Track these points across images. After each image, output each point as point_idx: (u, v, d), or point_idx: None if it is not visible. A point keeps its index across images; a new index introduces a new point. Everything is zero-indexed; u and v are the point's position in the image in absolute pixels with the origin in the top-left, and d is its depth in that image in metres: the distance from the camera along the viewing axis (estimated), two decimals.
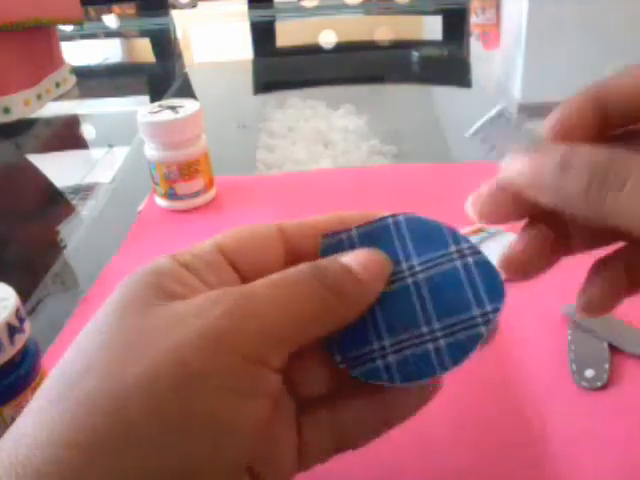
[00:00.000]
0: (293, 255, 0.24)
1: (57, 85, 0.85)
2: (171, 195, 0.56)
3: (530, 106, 0.84)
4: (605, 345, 0.36)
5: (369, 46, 1.19)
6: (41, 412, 0.18)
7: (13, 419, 0.30)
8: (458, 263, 0.24)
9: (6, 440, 0.18)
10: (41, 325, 0.45)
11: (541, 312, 0.40)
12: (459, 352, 0.22)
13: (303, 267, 0.22)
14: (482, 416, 0.34)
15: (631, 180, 0.18)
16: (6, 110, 0.76)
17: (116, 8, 1.43)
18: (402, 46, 1.16)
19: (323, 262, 0.22)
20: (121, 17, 1.43)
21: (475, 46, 1.14)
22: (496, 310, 0.22)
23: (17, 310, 0.29)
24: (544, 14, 1.14)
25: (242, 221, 0.54)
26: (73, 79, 0.90)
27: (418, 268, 0.23)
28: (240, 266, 0.23)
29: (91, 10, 1.41)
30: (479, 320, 0.22)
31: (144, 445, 0.17)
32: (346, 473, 0.30)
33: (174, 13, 1.42)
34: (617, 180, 0.18)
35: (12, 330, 0.29)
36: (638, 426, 0.32)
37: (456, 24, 1.26)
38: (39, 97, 0.81)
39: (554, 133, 0.22)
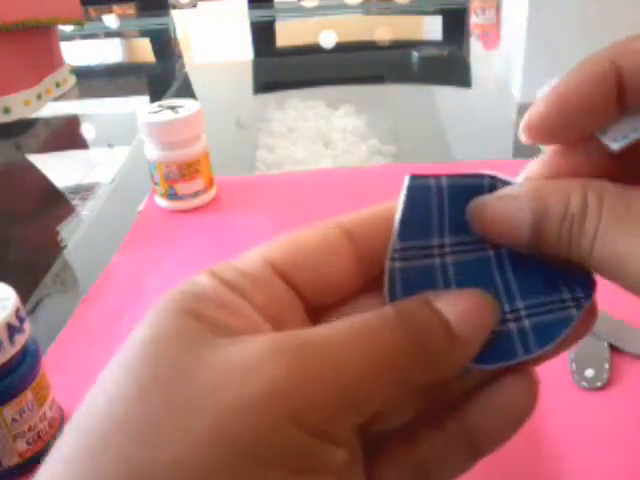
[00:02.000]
0: (365, 256, 0.20)
1: (57, 85, 0.85)
2: (171, 195, 0.56)
3: (530, 106, 0.84)
4: (605, 345, 0.36)
5: (369, 46, 1.19)
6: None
7: (13, 419, 0.30)
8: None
9: None
10: (41, 325, 0.45)
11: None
12: (546, 334, 0.19)
13: (388, 313, 0.17)
14: None
15: (602, 224, 0.17)
16: (6, 110, 0.76)
17: (116, 8, 1.43)
18: (402, 46, 1.16)
19: (412, 309, 0.18)
20: (121, 17, 1.43)
21: (475, 46, 1.14)
22: (589, 296, 0.19)
23: (17, 310, 0.29)
24: (544, 14, 1.14)
25: (242, 221, 0.54)
26: (73, 79, 0.90)
27: None
28: (296, 279, 0.19)
29: (91, 10, 1.41)
30: (570, 304, 0.19)
31: None
32: None
33: (174, 13, 1.42)
34: (591, 227, 0.17)
35: (12, 330, 0.29)
36: (638, 426, 0.32)
37: (456, 24, 1.26)
38: (39, 97, 0.81)
39: (560, 107, 0.19)
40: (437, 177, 0.20)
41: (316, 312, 0.20)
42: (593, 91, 0.18)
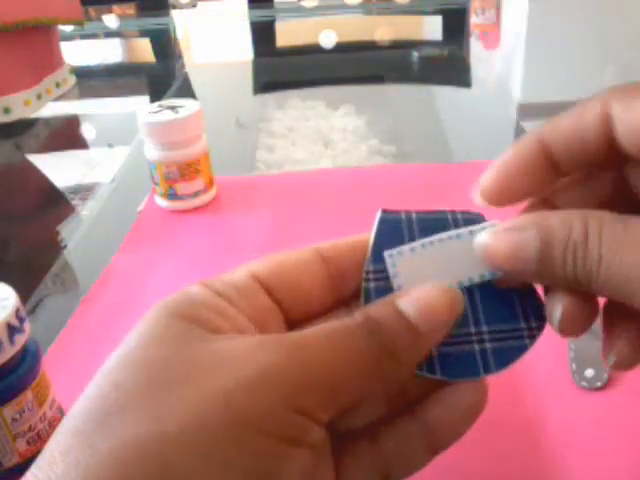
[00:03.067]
0: (336, 276, 0.23)
1: (57, 85, 0.85)
2: (171, 195, 0.56)
3: (530, 106, 0.84)
4: None
5: (369, 46, 1.19)
6: (71, 452, 0.17)
7: (13, 419, 0.30)
8: None
9: (36, 475, 0.17)
10: (41, 325, 0.45)
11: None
12: (504, 358, 0.22)
13: (357, 319, 0.20)
14: (481, 416, 0.34)
15: (605, 249, 0.18)
16: (6, 110, 0.76)
17: (116, 8, 1.43)
18: (402, 46, 1.16)
19: (378, 311, 0.20)
20: (121, 17, 1.43)
21: (475, 46, 1.14)
22: (541, 328, 0.22)
23: (17, 310, 0.29)
24: (544, 14, 1.14)
25: (242, 221, 0.54)
26: (73, 79, 0.90)
27: None
28: (277, 292, 0.22)
29: (91, 10, 1.41)
30: (525, 333, 0.22)
31: None
32: None
33: (174, 13, 1.42)
34: (595, 252, 0.19)
35: (12, 330, 0.29)
36: (638, 426, 0.32)
37: (456, 24, 1.26)
38: (39, 97, 0.81)
39: (501, 178, 0.22)
40: (407, 212, 0.24)
41: (294, 324, 0.23)
42: (526, 164, 0.21)
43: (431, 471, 0.31)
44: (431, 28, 1.33)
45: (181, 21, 1.40)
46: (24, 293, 0.35)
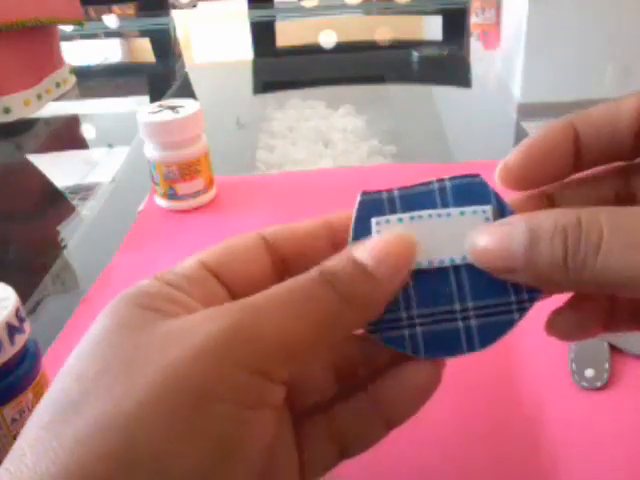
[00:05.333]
0: (279, 263, 0.23)
1: (57, 85, 0.85)
2: (171, 195, 0.56)
3: (530, 106, 0.84)
4: (605, 345, 0.36)
5: (369, 46, 1.19)
6: (39, 443, 0.17)
7: (13, 419, 0.30)
8: None
9: (2, 475, 0.17)
10: (41, 325, 0.45)
11: (541, 311, 0.40)
12: (489, 334, 0.21)
13: (312, 273, 0.20)
14: (480, 416, 0.34)
15: (604, 237, 0.18)
16: (6, 110, 0.76)
17: (116, 8, 1.43)
18: (402, 46, 1.16)
19: (333, 264, 0.20)
20: (121, 17, 1.43)
21: (475, 46, 1.14)
22: (532, 299, 0.21)
23: (17, 310, 0.29)
24: (544, 14, 1.14)
25: (242, 221, 0.54)
26: (73, 79, 0.90)
27: None
28: (226, 279, 0.22)
29: (91, 10, 1.41)
30: (514, 307, 0.21)
31: (153, 464, 0.17)
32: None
33: (174, 13, 1.42)
34: (590, 242, 0.18)
35: (12, 330, 0.29)
36: (638, 426, 0.32)
37: (456, 24, 1.26)
38: (39, 97, 0.81)
39: (528, 158, 0.22)
40: (389, 190, 0.23)
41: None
42: (555, 146, 0.21)
43: (431, 470, 0.31)
44: (431, 28, 1.33)
45: (181, 21, 1.40)
46: (24, 293, 0.35)
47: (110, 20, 1.41)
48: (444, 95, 0.90)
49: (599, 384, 0.34)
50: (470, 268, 0.21)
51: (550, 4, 1.16)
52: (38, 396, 0.31)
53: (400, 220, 0.22)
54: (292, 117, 0.79)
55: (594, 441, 0.31)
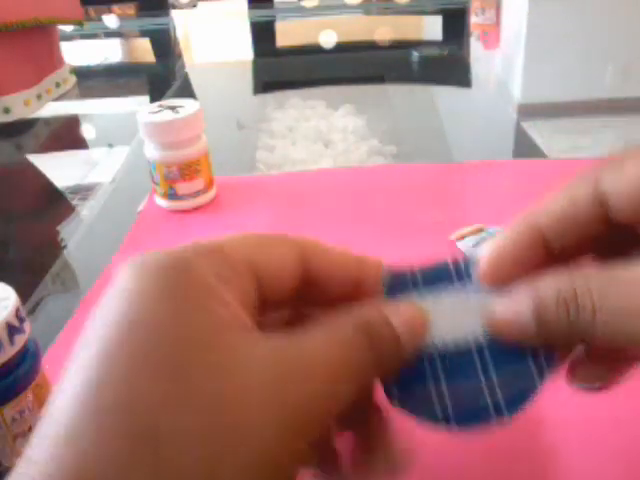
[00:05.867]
0: (306, 277, 0.23)
1: (57, 85, 0.85)
2: (171, 195, 0.56)
3: (530, 106, 0.84)
4: None
5: (369, 46, 1.19)
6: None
7: (13, 419, 0.30)
8: None
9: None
10: (41, 325, 0.45)
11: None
12: (515, 402, 0.23)
13: (351, 326, 0.21)
14: None
15: (596, 308, 0.20)
16: (6, 110, 0.76)
17: (116, 8, 1.43)
18: (402, 46, 1.16)
19: (372, 319, 0.21)
20: (121, 17, 1.43)
21: (475, 46, 1.14)
22: (550, 365, 0.23)
23: (17, 310, 0.29)
24: (544, 14, 1.14)
25: (242, 221, 0.54)
26: (73, 79, 0.90)
27: None
28: (261, 280, 0.22)
29: (91, 10, 1.41)
30: (534, 373, 0.23)
31: None
32: None
33: (174, 13, 1.42)
34: (587, 312, 0.20)
35: (12, 330, 0.29)
36: (638, 426, 0.32)
37: (456, 24, 1.26)
38: (39, 97, 0.81)
39: (493, 271, 0.23)
40: (411, 269, 0.25)
41: (264, 301, 0.22)
42: (520, 251, 0.22)
43: (431, 470, 0.31)
44: (431, 28, 1.33)
45: (181, 21, 1.41)
46: (24, 293, 0.35)
47: (110, 20, 1.41)
48: (444, 95, 0.90)
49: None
50: (489, 340, 0.23)
51: (550, 4, 1.16)
52: (38, 396, 0.31)
53: (422, 297, 0.24)
54: (292, 117, 0.79)
55: (594, 441, 0.31)
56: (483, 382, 0.23)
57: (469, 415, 0.23)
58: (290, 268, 0.22)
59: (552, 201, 0.22)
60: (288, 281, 0.22)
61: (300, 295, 0.23)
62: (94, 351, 0.17)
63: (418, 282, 0.25)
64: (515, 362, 0.23)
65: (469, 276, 0.25)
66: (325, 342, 0.20)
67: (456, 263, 0.25)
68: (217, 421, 0.17)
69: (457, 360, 0.23)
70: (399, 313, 0.22)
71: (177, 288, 0.19)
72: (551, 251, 0.22)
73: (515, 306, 0.22)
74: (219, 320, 0.19)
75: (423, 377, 0.23)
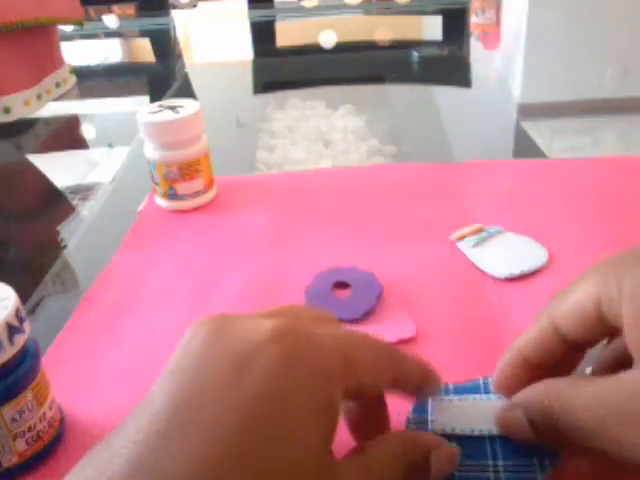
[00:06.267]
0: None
1: (57, 85, 0.85)
2: (171, 195, 0.56)
3: (530, 106, 0.84)
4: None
5: (369, 46, 1.19)
6: None
7: (13, 419, 0.30)
8: None
9: None
10: (41, 325, 0.45)
11: (540, 311, 0.40)
12: None
13: (404, 453, 0.25)
14: None
15: (557, 416, 0.24)
16: (6, 110, 0.76)
17: (116, 8, 1.43)
18: (402, 46, 1.16)
19: (414, 458, 0.25)
20: (121, 17, 1.43)
21: (475, 46, 1.14)
22: (552, 463, 0.27)
23: (17, 310, 0.29)
24: (544, 14, 1.14)
25: (242, 221, 0.54)
26: (73, 79, 0.90)
27: None
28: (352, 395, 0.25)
29: (91, 10, 1.41)
30: (537, 468, 0.27)
31: None
32: None
33: (174, 13, 1.42)
34: (553, 419, 0.24)
35: (12, 330, 0.29)
36: None
37: (456, 24, 1.26)
38: (39, 97, 0.81)
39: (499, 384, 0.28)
40: (445, 384, 0.30)
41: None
42: (542, 354, 0.27)
43: None
44: (431, 28, 1.33)
45: (181, 21, 1.41)
46: (24, 293, 0.35)
47: (110, 20, 1.41)
48: (444, 95, 0.90)
49: None
50: (501, 437, 0.28)
51: (550, 4, 1.16)
52: (38, 396, 0.31)
53: (450, 400, 0.30)
54: (292, 117, 0.79)
55: None
56: (490, 463, 0.27)
57: None
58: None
59: (567, 303, 0.26)
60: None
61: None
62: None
63: (449, 390, 0.30)
64: (520, 455, 0.27)
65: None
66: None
67: (486, 380, 0.31)
68: None
69: (471, 444, 0.28)
70: (440, 457, 0.26)
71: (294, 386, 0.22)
72: (570, 347, 0.27)
73: (513, 416, 0.26)
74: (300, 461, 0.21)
75: None
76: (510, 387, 0.28)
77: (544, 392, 0.25)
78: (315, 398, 0.21)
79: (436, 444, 0.26)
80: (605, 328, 0.25)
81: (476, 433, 0.28)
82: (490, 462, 0.27)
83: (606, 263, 0.25)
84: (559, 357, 0.27)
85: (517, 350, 0.28)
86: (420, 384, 0.28)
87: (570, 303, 0.26)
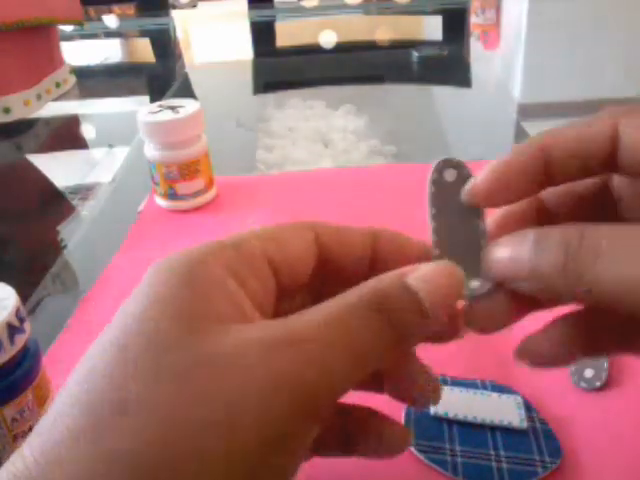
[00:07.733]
0: (323, 260, 0.23)
1: (57, 85, 0.85)
2: (171, 195, 0.56)
3: (530, 106, 0.84)
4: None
5: (369, 46, 1.19)
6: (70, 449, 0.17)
7: (13, 419, 0.30)
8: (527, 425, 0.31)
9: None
10: (41, 325, 0.45)
11: (542, 312, 0.40)
12: (517, 477, 0.27)
13: (363, 297, 0.19)
14: None
15: (604, 246, 0.18)
16: (6, 110, 0.76)
17: (116, 8, 1.43)
18: (402, 46, 1.16)
19: (385, 288, 0.19)
20: (121, 17, 1.43)
21: (475, 46, 1.14)
22: (554, 462, 0.28)
23: (17, 310, 0.29)
24: (544, 14, 1.14)
25: (242, 221, 0.54)
26: (73, 79, 0.90)
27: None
28: (279, 271, 0.22)
29: (91, 10, 1.41)
30: (538, 464, 0.28)
31: None
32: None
33: (174, 13, 1.42)
34: (591, 249, 0.18)
35: (12, 330, 0.29)
36: (638, 426, 0.32)
37: (456, 24, 1.26)
38: (39, 97, 0.81)
39: (495, 179, 0.22)
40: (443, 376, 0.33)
41: (282, 290, 0.22)
42: (525, 167, 0.22)
43: (430, 470, 0.31)
44: (431, 28, 1.33)
45: (181, 21, 1.41)
46: (24, 293, 0.35)
47: (110, 20, 1.41)
48: (444, 95, 0.90)
49: (598, 384, 0.34)
50: (502, 429, 0.29)
51: (550, 4, 1.16)
52: (38, 396, 0.31)
53: (451, 389, 0.31)
54: (292, 117, 0.79)
55: (593, 441, 0.31)
56: (492, 453, 0.28)
57: (475, 474, 0.27)
58: (305, 254, 0.23)
59: (566, 127, 0.22)
60: (305, 266, 0.23)
61: (323, 279, 0.23)
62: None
63: (448, 382, 0.31)
64: (522, 450, 0.28)
65: (494, 390, 0.32)
66: (324, 316, 0.19)
67: (484, 383, 0.32)
68: (187, 390, 0.17)
69: (473, 431, 0.29)
70: (420, 277, 0.20)
71: (187, 280, 0.21)
72: (552, 178, 0.22)
73: (515, 241, 0.21)
74: (214, 309, 0.19)
75: (442, 435, 0.29)
76: (497, 196, 0.22)
77: (574, 229, 0.19)
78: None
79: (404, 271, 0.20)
80: (605, 167, 0.21)
81: (478, 421, 0.29)
82: (491, 451, 0.28)
83: (622, 109, 0.21)
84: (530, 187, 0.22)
85: (537, 142, 0.22)
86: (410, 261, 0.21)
87: (576, 132, 0.21)
